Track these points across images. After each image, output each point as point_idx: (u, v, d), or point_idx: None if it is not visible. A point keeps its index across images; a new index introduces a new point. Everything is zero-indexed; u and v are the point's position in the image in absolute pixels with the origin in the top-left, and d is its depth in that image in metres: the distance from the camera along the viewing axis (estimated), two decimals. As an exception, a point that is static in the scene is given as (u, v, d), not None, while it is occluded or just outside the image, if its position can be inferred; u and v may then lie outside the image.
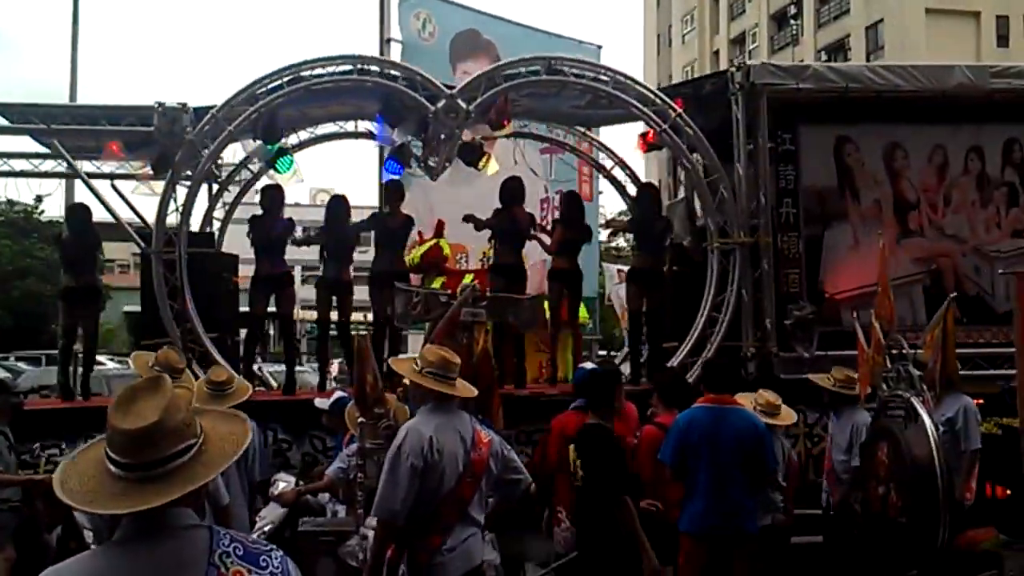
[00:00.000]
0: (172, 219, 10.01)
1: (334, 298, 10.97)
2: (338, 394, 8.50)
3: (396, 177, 11.19)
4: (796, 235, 10.56)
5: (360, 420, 6.73)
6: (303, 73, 9.96)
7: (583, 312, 13.39)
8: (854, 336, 10.02)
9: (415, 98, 10.01)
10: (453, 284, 11.88)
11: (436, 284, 12.41)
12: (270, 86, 9.83)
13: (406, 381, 5.80)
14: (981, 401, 8.59)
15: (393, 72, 10.07)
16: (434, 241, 13.47)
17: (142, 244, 9.77)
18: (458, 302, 7.58)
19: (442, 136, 10.36)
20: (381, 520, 5.24)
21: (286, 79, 9.83)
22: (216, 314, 10.19)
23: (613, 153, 12.97)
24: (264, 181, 11.49)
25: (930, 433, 6.63)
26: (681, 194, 12.82)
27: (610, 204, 23.76)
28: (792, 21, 50.67)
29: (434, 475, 5.21)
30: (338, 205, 11.03)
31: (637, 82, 10.45)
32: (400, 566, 5.28)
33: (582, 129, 12.83)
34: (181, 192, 10.03)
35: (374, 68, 10.03)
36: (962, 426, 7.86)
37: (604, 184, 16.65)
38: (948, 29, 41.57)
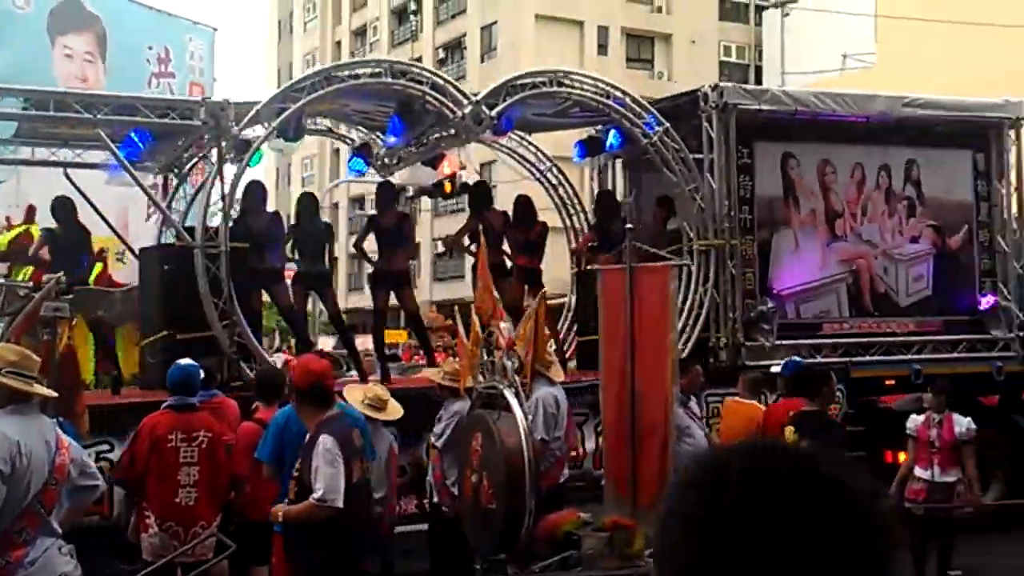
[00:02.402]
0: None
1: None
2: None
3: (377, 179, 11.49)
4: (752, 239, 11.96)
5: None
6: (336, 74, 10.07)
7: None
8: (799, 327, 11.82)
9: (439, 103, 10.36)
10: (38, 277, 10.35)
11: (22, 276, 10.88)
12: (306, 85, 9.86)
13: None
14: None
15: (420, 77, 10.37)
16: (24, 228, 12.25)
17: (187, 238, 9.43)
18: (39, 296, 7.07)
19: (450, 140, 10.87)
20: None
21: (322, 79, 9.90)
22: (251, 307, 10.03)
23: (549, 158, 13.75)
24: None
25: (520, 422, 6.94)
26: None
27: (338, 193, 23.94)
28: (412, 17, 50.94)
29: (21, 483, 4.86)
30: (308, 202, 11.35)
31: (632, 97, 11.39)
32: None
33: (521, 134, 13.48)
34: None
35: (402, 71, 10.28)
36: (533, 417, 8.18)
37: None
38: (556, 35, 43.26)
